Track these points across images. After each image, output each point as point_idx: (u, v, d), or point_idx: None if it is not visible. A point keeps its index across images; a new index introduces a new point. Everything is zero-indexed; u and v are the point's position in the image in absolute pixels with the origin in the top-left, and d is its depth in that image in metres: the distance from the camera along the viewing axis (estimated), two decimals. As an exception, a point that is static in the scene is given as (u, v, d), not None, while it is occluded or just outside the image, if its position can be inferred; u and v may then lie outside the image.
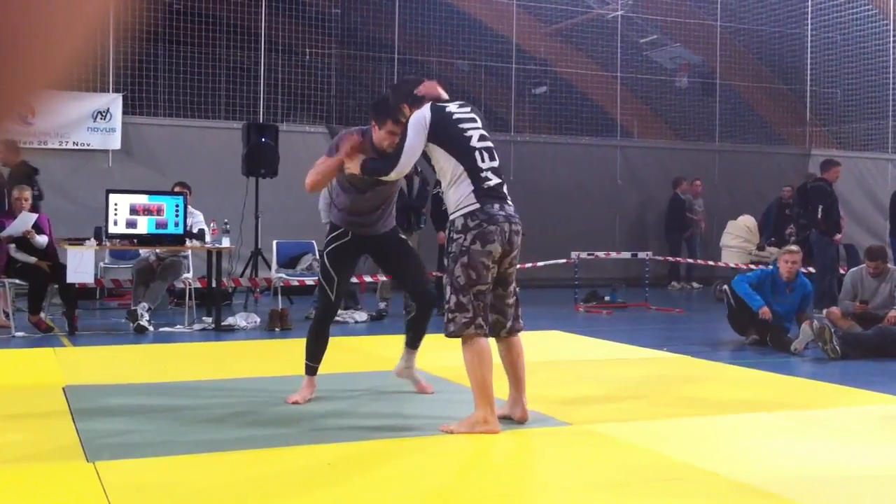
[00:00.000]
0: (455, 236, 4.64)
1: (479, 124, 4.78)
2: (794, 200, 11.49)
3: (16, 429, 4.66)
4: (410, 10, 14.50)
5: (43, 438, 4.50)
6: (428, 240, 10.41)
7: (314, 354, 5.42)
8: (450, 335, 4.64)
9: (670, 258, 14.17)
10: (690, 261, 14.17)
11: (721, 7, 16.44)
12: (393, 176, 4.87)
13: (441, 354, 6.23)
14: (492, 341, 4.76)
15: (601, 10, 16.09)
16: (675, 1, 16.32)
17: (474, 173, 4.63)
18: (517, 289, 4.86)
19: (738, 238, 13.82)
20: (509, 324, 4.79)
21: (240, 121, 12.67)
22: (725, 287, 8.60)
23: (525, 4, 15.39)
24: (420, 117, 4.71)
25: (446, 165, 4.68)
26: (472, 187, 4.61)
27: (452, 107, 4.81)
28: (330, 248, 5.37)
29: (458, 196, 4.64)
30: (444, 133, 4.69)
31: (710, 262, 13.95)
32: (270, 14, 13.59)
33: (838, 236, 11.49)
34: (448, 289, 4.66)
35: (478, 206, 4.59)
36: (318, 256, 10.33)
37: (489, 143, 4.76)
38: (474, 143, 4.69)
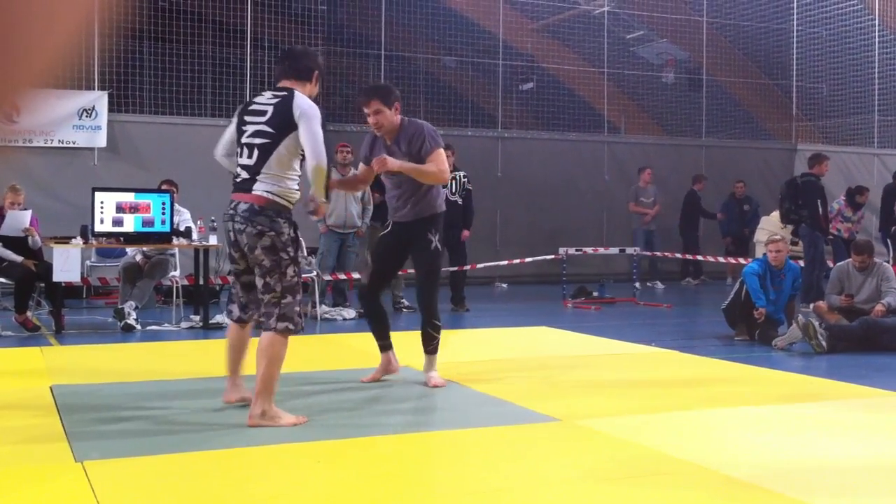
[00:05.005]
0: None
1: (266, 117, 4.70)
2: (782, 195, 11.51)
3: (3, 429, 4.63)
4: (397, 7, 14.48)
5: (30, 438, 4.48)
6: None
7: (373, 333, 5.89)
8: None
9: (657, 254, 14.15)
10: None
11: (707, 2, 16.47)
12: None
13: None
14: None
15: (588, 6, 16.10)
16: (662, -4, 16.35)
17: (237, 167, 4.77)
18: (271, 285, 4.62)
19: (771, 233, 13.82)
20: (248, 313, 4.93)
21: (226, 118, 12.58)
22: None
23: (512, 0, 15.39)
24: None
25: None
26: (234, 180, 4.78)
27: (265, 95, 4.86)
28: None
29: None
30: (236, 125, 4.85)
31: (693, 257, 13.98)
32: (256, 11, 13.55)
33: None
34: None
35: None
36: (305, 254, 10.33)
37: (261, 140, 4.68)
38: (244, 138, 4.73)
